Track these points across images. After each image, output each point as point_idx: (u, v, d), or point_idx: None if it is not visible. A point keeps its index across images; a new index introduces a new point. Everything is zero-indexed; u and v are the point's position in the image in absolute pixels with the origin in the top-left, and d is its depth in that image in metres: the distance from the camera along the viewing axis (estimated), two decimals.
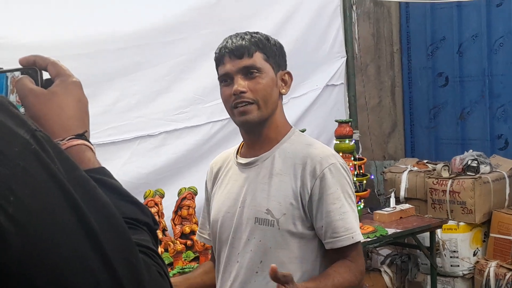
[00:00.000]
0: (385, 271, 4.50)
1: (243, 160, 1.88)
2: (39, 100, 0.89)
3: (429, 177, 4.69)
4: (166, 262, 2.74)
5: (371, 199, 4.62)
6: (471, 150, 4.75)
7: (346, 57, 4.79)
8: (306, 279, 1.72)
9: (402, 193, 4.82)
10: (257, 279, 1.76)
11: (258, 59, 1.78)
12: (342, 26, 4.78)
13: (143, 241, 0.80)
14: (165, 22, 3.50)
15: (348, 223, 1.74)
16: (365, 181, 4.08)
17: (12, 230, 0.62)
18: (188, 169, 3.60)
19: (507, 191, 4.62)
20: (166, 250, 3.11)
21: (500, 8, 5.19)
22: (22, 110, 0.89)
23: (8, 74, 0.94)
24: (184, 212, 3.24)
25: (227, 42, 1.81)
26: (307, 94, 4.43)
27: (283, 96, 1.90)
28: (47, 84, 0.93)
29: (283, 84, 1.87)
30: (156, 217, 3.03)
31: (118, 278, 0.69)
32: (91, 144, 0.91)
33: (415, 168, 4.95)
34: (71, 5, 3.07)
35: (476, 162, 4.55)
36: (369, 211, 4.28)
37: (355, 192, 3.91)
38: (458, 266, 4.51)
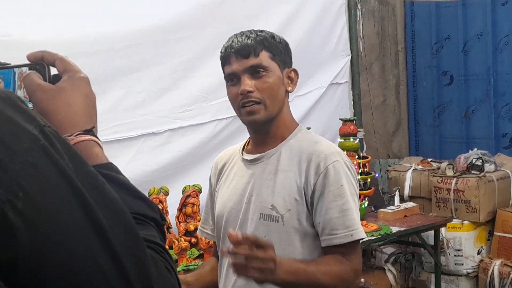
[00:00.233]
0: (389, 270, 4.49)
1: (249, 157, 1.89)
2: (47, 95, 0.89)
3: (434, 176, 4.68)
4: None
5: (375, 197, 4.62)
6: (475, 149, 4.73)
7: (350, 56, 4.79)
8: None
9: (407, 192, 4.82)
10: None
11: (264, 57, 1.78)
12: (347, 25, 4.77)
13: (150, 237, 0.80)
14: (171, 20, 3.50)
15: (348, 220, 1.72)
16: (369, 180, 4.08)
17: (21, 226, 0.63)
18: (193, 167, 3.60)
19: None
20: (171, 248, 3.12)
21: (505, 7, 5.17)
22: (30, 105, 0.89)
23: (16, 69, 0.93)
24: (189, 209, 3.25)
25: (232, 41, 1.81)
26: (311, 92, 4.42)
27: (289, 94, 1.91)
28: (54, 79, 0.92)
29: (289, 82, 1.87)
30: None
31: (126, 274, 0.70)
32: (99, 140, 0.91)
33: (420, 167, 4.94)
34: (76, 3, 3.06)
35: (480, 160, 4.54)
36: (373, 209, 4.27)
37: (360, 190, 3.95)
38: (462, 264, 4.50)
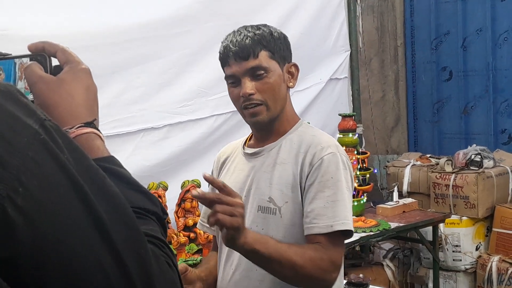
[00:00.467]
0: (387, 265, 4.49)
1: (250, 150, 1.89)
2: (48, 87, 0.88)
3: (432, 172, 4.68)
4: None
5: (374, 193, 4.62)
6: (474, 145, 4.74)
7: (350, 51, 4.79)
8: None
9: (405, 187, 4.83)
10: (259, 267, 1.75)
11: (263, 58, 1.77)
12: (346, 20, 4.77)
13: (151, 231, 0.79)
14: (170, 15, 3.49)
15: (333, 212, 1.67)
16: (368, 175, 4.09)
17: (21, 222, 0.62)
18: (192, 162, 3.60)
19: (510, 186, 4.61)
20: (169, 243, 3.12)
21: (504, 2, 5.16)
22: (30, 97, 0.88)
23: (16, 60, 0.92)
24: (188, 204, 3.25)
25: (230, 41, 1.78)
26: (310, 87, 4.42)
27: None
28: (56, 71, 0.91)
29: (290, 77, 1.87)
30: None
31: (127, 272, 0.69)
32: (100, 133, 0.90)
33: (418, 163, 4.94)
34: None
35: (479, 156, 4.54)
36: (372, 205, 4.28)
37: (359, 186, 3.96)
38: (461, 260, 4.51)
